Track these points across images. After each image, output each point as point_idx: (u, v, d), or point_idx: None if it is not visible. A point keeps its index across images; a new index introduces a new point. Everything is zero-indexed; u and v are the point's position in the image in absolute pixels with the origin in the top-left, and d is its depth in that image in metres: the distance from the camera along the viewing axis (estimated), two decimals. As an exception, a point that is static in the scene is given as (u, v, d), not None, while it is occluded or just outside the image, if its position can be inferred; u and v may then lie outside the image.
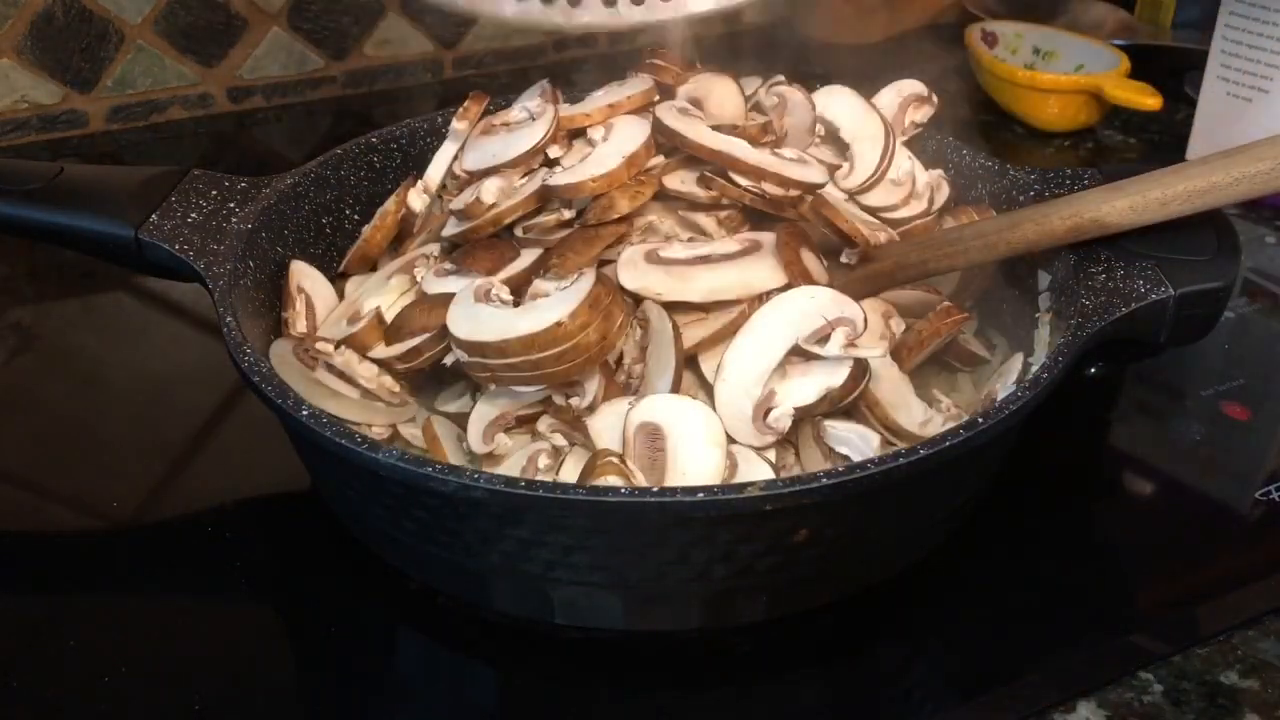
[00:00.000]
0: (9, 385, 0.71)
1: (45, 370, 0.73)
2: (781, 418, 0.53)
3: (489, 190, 0.60)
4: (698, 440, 0.52)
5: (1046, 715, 0.49)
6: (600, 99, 0.63)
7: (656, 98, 0.64)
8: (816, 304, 0.54)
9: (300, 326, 0.61)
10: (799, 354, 0.54)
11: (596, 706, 0.50)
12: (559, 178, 0.58)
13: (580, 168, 0.59)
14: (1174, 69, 1.07)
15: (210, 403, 0.67)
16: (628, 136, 0.60)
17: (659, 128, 0.60)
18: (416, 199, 0.66)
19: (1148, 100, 0.93)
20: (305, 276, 0.63)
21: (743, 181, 0.59)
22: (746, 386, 0.53)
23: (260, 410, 0.51)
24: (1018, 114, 1.02)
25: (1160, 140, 1.00)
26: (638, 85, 0.63)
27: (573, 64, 1.17)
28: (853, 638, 0.53)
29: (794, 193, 0.60)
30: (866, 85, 0.69)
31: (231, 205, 0.62)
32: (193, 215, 0.61)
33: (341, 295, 0.65)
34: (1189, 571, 0.56)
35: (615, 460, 0.51)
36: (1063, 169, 0.65)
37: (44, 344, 0.76)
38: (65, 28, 0.97)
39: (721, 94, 0.66)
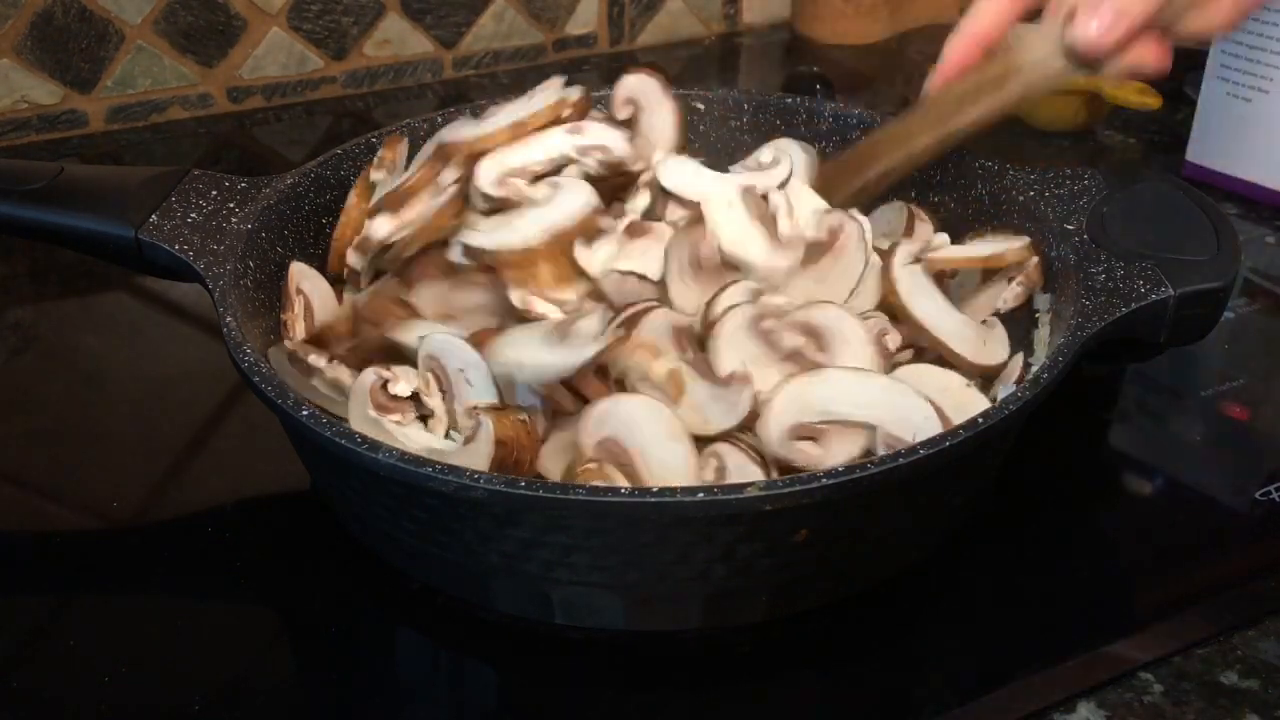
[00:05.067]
0: (9, 385, 0.71)
1: (45, 370, 0.73)
2: None
3: (379, 227, 0.60)
4: (659, 438, 0.51)
5: (1046, 715, 0.49)
6: (502, 117, 0.61)
7: (567, 112, 0.61)
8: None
9: (299, 328, 0.61)
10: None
11: (596, 706, 0.50)
12: (476, 239, 0.58)
13: (499, 233, 0.57)
14: (1174, 69, 1.07)
15: (210, 403, 0.67)
16: (564, 208, 0.58)
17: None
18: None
19: (1148, 100, 0.93)
20: (305, 278, 0.63)
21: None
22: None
23: (260, 410, 0.51)
24: (1018, 114, 1.02)
25: (1160, 140, 1.00)
26: (546, 98, 0.60)
27: (572, 64, 1.17)
28: (853, 638, 0.53)
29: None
30: (866, 85, 0.69)
31: (231, 205, 0.62)
32: (193, 215, 0.61)
33: (341, 297, 0.65)
34: (1189, 571, 0.56)
35: (594, 467, 0.51)
36: (1063, 169, 0.65)
37: (44, 344, 0.76)
38: (65, 28, 0.97)
39: (663, 120, 0.64)
